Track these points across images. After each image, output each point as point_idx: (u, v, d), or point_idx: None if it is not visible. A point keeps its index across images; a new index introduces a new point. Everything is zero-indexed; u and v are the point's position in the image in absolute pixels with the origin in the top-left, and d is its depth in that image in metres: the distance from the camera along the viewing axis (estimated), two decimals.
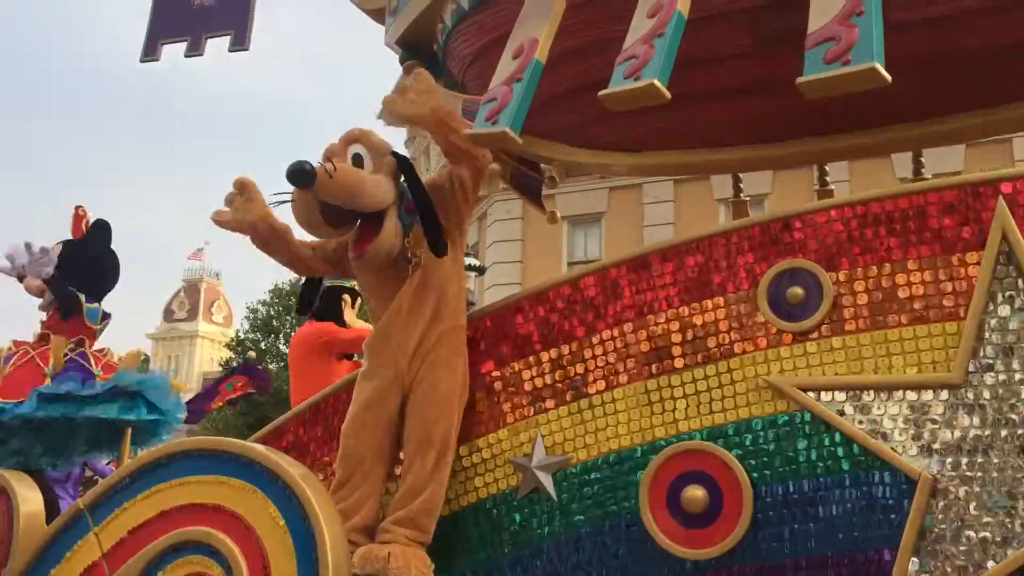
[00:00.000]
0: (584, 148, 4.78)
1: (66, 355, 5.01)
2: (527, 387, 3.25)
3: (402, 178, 3.34)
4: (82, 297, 5.14)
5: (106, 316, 5.37)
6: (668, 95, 2.77)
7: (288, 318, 30.27)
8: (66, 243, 5.26)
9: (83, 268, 5.19)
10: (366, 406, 3.27)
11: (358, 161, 3.29)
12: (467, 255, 14.93)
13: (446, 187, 3.39)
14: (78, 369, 5.05)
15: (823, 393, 2.89)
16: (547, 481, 3.15)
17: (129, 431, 5.18)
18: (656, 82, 2.75)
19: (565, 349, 3.23)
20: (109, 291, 5.34)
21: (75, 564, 2.95)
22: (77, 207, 5.35)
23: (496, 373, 3.31)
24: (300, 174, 2.96)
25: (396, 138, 30.02)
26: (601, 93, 2.89)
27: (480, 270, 14.68)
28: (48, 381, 4.89)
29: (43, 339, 5.11)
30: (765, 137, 4.32)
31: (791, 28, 2.92)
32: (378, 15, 4.98)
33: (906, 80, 2.81)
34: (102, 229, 5.28)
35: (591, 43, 3.70)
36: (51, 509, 3.46)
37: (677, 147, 4.69)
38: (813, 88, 2.63)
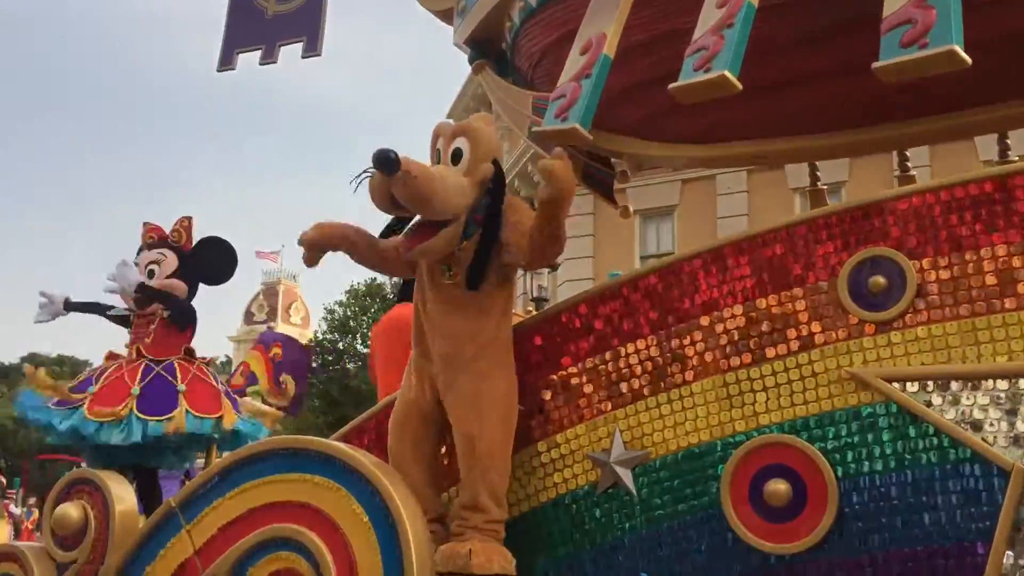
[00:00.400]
0: (656, 141, 4.75)
1: (150, 367, 5.17)
2: (604, 382, 3.24)
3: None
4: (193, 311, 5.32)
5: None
6: (739, 86, 2.74)
7: (364, 318, 30.69)
8: (178, 253, 5.38)
9: (192, 281, 5.34)
10: (402, 411, 3.34)
11: (457, 155, 3.27)
12: None
13: (525, 233, 3.22)
14: (164, 387, 5.20)
15: (909, 384, 2.82)
16: (626, 476, 3.14)
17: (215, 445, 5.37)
18: (727, 73, 2.73)
19: (642, 344, 3.21)
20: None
21: (169, 561, 3.04)
22: (185, 218, 5.51)
23: (573, 369, 3.31)
24: (384, 161, 2.99)
25: None
26: (671, 86, 2.87)
27: (553, 267, 14.68)
28: (134, 401, 5.03)
29: (139, 354, 5.26)
30: (842, 123, 4.24)
31: (870, 9, 2.86)
32: (446, 15, 5.02)
33: (988, 60, 2.73)
34: (223, 251, 5.41)
35: (660, 36, 3.68)
36: (156, 504, 3.60)
37: (751, 137, 4.63)
38: (889, 72, 2.57)
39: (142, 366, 5.23)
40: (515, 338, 3.42)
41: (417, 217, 3.28)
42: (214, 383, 5.14)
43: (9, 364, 70.19)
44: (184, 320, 5.30)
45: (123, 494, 3.32)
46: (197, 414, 5.00)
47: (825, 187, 5.41)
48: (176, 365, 5.17)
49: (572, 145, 4.39)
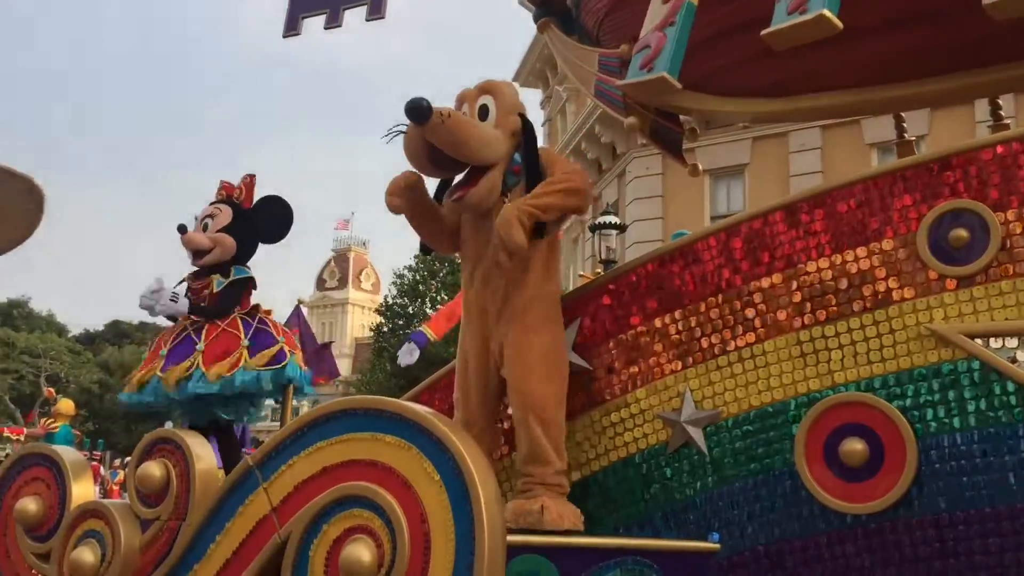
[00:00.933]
0: (726, 96, 4.63)
1: (248, 323, 5.24)
2: (674, 341, 3.21)
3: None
4: (248, 273, 5.35)
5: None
6: (840, 24, 2.68)
7: (434, 282, 30.94)
8: (235, 209, 5.41)
9: (248, 239, 5.36)
10: (462, 366, 3.42)
11: (484, 112, 3.34)
12: (607, 212, 14.83)
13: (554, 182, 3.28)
14: (265, 336, 5.29)
15: (992, 340, 2.73)
16: (697, 435, 3.11)
17: (291, 389, 5.44)
18: (826, 12, 2.65)
19: (712, 302, 3.16)
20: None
21: (247, 518, 3.12)
22: (249, 176, 5.54)
23: (642, 328, 3.28)
24: (416, 110, 3.03)
25: (532, 97, 29.98)
26: (765, 32, 2.80)
27: (621, 228, 14.55)
28: (246, 352, 5.11)
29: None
30: (922, 72, 4.08)
31: None
32: None
33: None
34: (279, 209, 5.43)
35: None
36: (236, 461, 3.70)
37: (824, 89, 4.48)
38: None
39: (180, 329, 5.32)
40: (584, 298, 3.40)
41: (458, 178, 3.32)
42: (238, 335, 5.18)
43: (94, 331, 72.75)
44: (231, 302, 5.37)
45: (203, 453, 3.40)
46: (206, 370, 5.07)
47: (913, 139, 5.19)
48: (207, 325, 5.24)
49: (639, 103, 4.32)
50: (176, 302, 5.17)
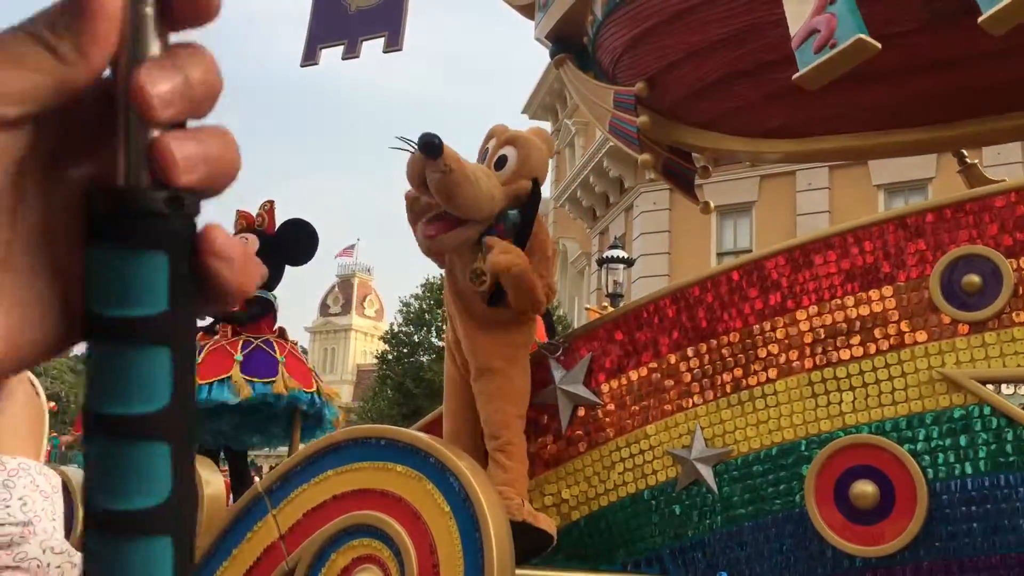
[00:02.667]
0: (738, 135, 4.68)
1: (251, 342, 5.27)
2: (686, 378, 3.22)
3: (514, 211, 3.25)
4: (271, 297, 5.40)
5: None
6: (878, 45, 2.68)
7: (440, 311, 30.96)
8: (260, 234, 5.46)
9: (273, 264, 5.42)
10: (445, 396, 3.46)
11: (501, 162, 3.27)
12: (614, 247, 14.88)
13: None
14: (264, 357, 5.31)
15: (1004, 386, 2.74)
16: (707, 473, 3.11)
17: (299, 418, 5.44)
18: (863, 36, 2.66)
19: (724, 339, 3.18)
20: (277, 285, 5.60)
21: (255, 544, 3.12)
22: (268, 201, 5.59)
23: (654, 364, 3.29)
24: (429, 146, 2.98)
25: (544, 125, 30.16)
26: (796, 77, 2.82)
27: (628, 262, 14.59)
28: (238, 366, 5.13)
29: (237, 334, 5.35)
30: (929, 119, 4.12)
31: (957, 5, 2.78)
32: (527, 10, 5.03)
33: None
34: (298, 229, 5.47)
35: (745, 29, 3.63)
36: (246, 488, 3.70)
37: (834, 132, 4.53)
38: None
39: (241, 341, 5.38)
40: (595, 332, 3.42)
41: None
42: (232, 352, 5.21)
43: None
44: (251, 316, 5.40)
45: (211, 478, 3.42)
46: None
47: (976, 162, 5.11)
48: (207, 346, 5.28)
49: (652, 139, 4.37)
50: None
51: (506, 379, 3.24)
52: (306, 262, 5.52)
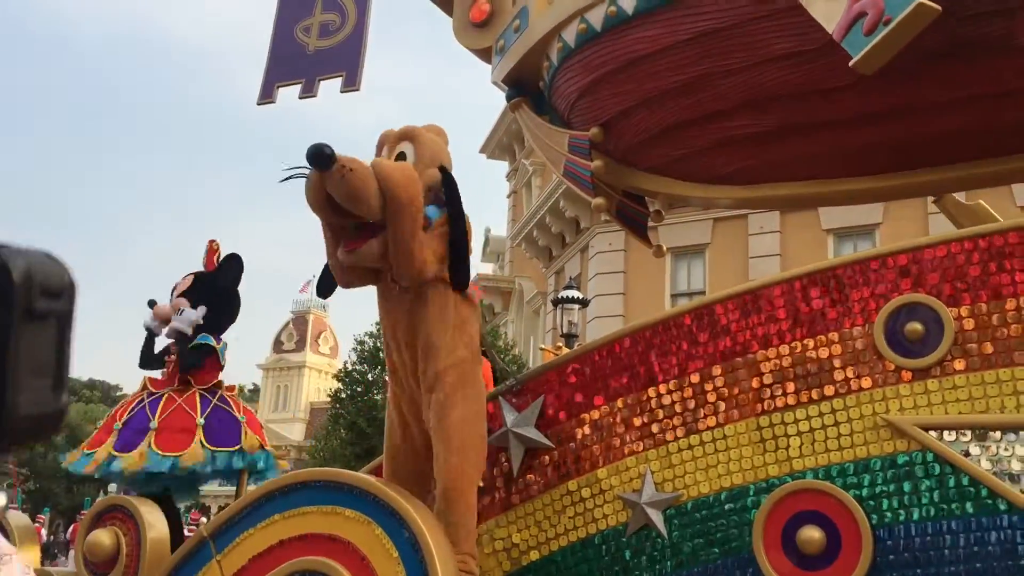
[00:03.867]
0: (690, 181, 4.75)
1: (207, 400, 5.13)
2: (636, 422, 3.23)
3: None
4: (213, 342, 5.25)
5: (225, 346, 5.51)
6: (938, 8, 2.59)
7: None
8: (197, 275, 5.37)
9: (211, 301, 5.30)
10: (389, 426, 3.35)
11: (401, 158, 3.18)
12: (569, 287, 14.94)
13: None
14: (226, 417, 5.18)
15: (946, 432, 2.79)
16: (657, 518, 3.12)
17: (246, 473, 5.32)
18: (923, 1, 2.55)
19: (674, 385, 3.20)
20: (229, 326, 5.47)
21: None
22: (211, 241, 5.48)
23: (605, 408, 3.30)
24: (318, 157, 2.87)
25: (499, 169, 30.29)
26: (852, 63, 2.73)
27: (583, 303, 14.66)
28: (201, 432, 5.00)
29: (184, 383, 5.19)
30: (881, 167, 4.22)
31: (910, 59, 2.86)
32: (484, 54, 5.08)
33: None
34: (234, 262, 5.38)
35: (696, 78, 3.70)
36: (176, 533, 3.60)
37: (785, 179, 4.62)
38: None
39: (135, 401, 5.23)
40: (548, 375, 3.42)
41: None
42: (192, 415, 5.07)
43: None
44: (187, 365, 5.27)
45: (155, 521, 3.35)
46: (161, 452, 4.96)
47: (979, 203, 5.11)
48: (164, 398, 5.13)
49: (606, 183, 4.41)
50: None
51: (449, 404, 3.08)
52: (235, 286, 5.43)
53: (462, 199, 3.19)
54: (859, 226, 15.71)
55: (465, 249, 3.13)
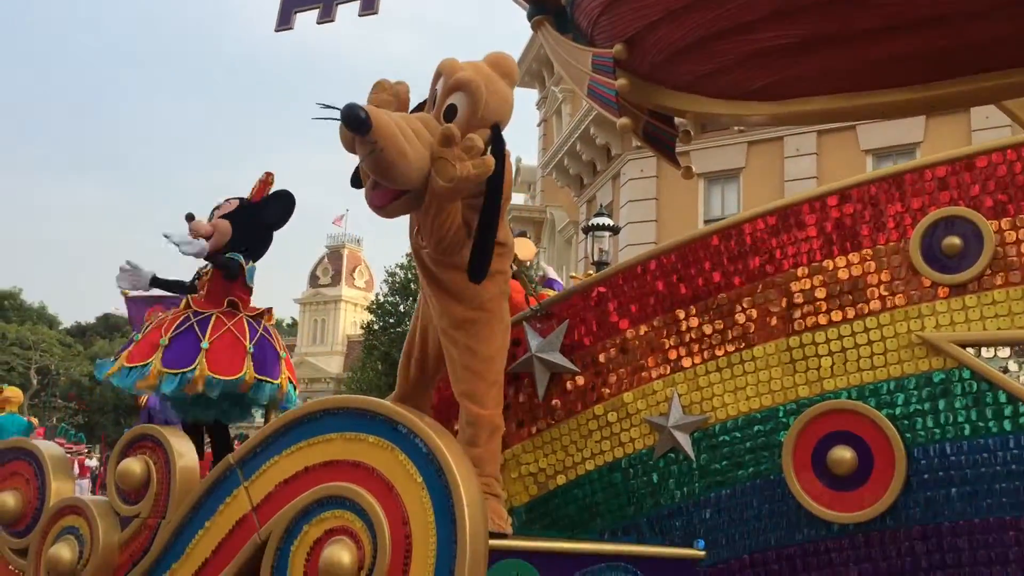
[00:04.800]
0: (720, 98, 4.60)
1: (254, 328, 5.13)
2: (663, 345, 3.17)
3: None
4: (241, 260, 5.23)
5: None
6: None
7: None
8: (243, 201, 5.32)
9: (252, 230, 5.27)
10: (410, 337, 3.34)
11: (451, 113, 2.98)
12: (600, 214, 14.80)
13: None
14: (268, 346, 5.19)
15: (984, 349, 2.70)
16: (684, 441, 3.07)
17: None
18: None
19: (701, 306, 3.13)
20: (255, 261, 5.46)
21: (227, 517, 3.07)
22: (268, 173, 5.43)
23: (631, 332, 3.24)
24: (354, 122, 2.72)
25: (528, 96, 29.92)
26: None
27: (614, 230, 14.53)
28: (250, 359, 4.99)
29: (232, 306, 5.19)
30: (917, 78, 4.05)
31: None
32: None
33: None
34: (284, 200, 5.33)
35: None
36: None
37: (820, 92, 4.46)
38: None
39: (180, 318, 5.20)
40: (573, 300, 3.36)
41: None
42: (244, 341, 5.05)
43: (86, 324, 72.55)
44: (228, 270, 5.23)
45: (184, 450, 3.36)
46: (213, 374, 4.94)
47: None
48: (213, 319, 5.10)
49: (632, 104, 4.28)
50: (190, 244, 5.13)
51: (478, 340, 3.04)
52: (280, 225, 5.39)
53: (504, 177, 2.97)
54: (899, 145, 15.29)
55: (490, 240, 2.95)
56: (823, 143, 16.82)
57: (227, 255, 5.18)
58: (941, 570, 2.70)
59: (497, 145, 2.93)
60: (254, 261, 5.36)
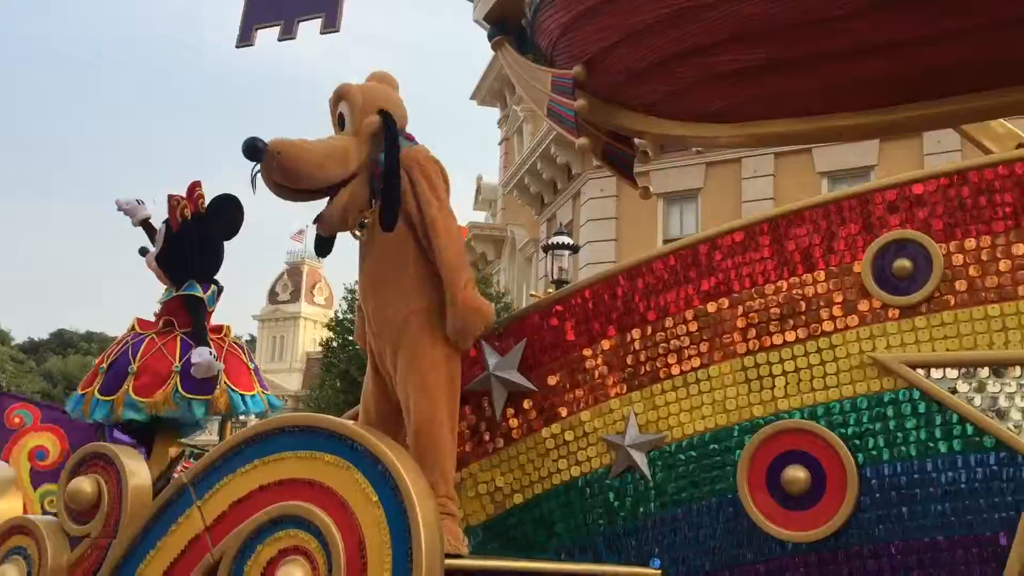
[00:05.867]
0: (678, 120, 4.65)
1: (188, 345, 5.04)
2: (620, 364, 3.19)
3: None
4: (198, 292, 5.13)
5: (220, 290, 5.39)
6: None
7: None
8: (191, 220, 5.21)
9: (199, 247, 5.17)
10: (366, 380, 3.40)
11: (341, 121, 3.26)
12: (560, 233, 14.86)
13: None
14: (240, 365, 5.12)
15: (933, 370, 2.75)
16: (641, 460, 3.09)
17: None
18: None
19: (658, 325, 3.15)
20: (215, 274, 5.36)
21: (179, 537, 3.03)
22: (193, 183, 5.28)
23: (588, 351, 3.25)
24: (251, 150, 2.98)
25: (490, 116, 29.95)
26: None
27: (573, 249, 14.59)
28: (177, 378, 4.92)
29: (168, 325, 5.12)
30: (873, 103, 4.13)
31: None
32: None
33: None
34: (230, 207, 5.21)
35: (683, 10, 3.59)
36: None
37: (778, 116, 4.52)
38: None
39: (122, 342, 5.17)
40: (531, 318, 3.37)
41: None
42: (173, 360, 4.98)
43: (39, 339, 71.15)
44: (193, 309, 5.16)
45: (136, 468, 3.30)
46: (136, 397, 4.89)
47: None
48: (146, 341, 5.05)
49: (591, 124, 4.31)
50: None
51: (425, 360, 3.09)
52: (231, 236, 5.29)
53: (399, 140, 3.24)
54: (853, 168, 15.57)
55: (395, 190, 3.14)
56: (780, 165, 17.07)
57: (186, 291, 5.13)
58: None
59: (387, 125, 3.23)
60: (213, 275, 5.28)
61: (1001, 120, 4.30)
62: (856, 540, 2.78)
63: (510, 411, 3.32)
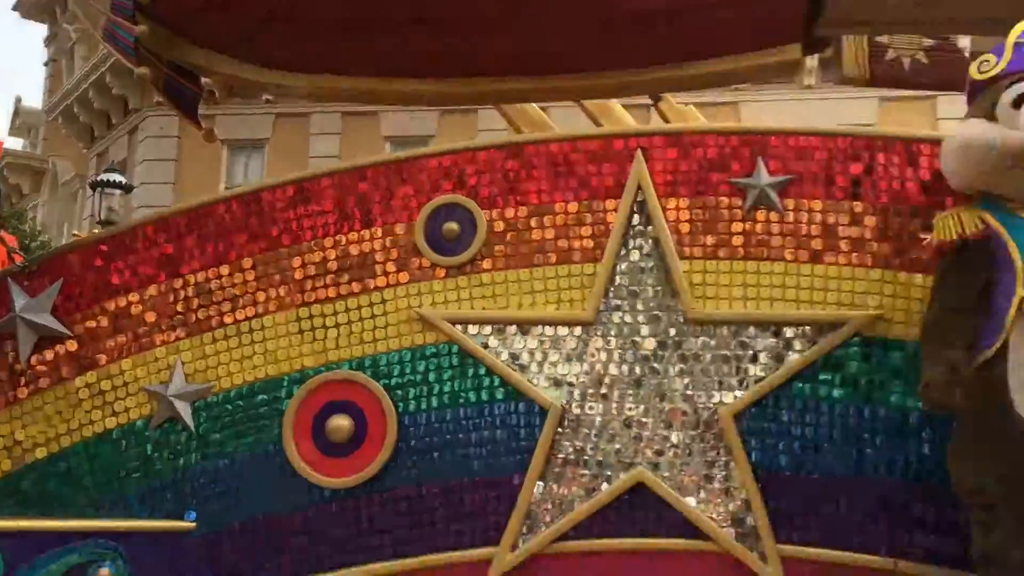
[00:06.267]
0: (250, 64, 4.50)
1: None
2: (169, 311, 3.04)
3: None
4: None
5: None
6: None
7: None
8: None
9: None
10: None
11: None
12: (112, 170, 13.69)
13: None
14: None
15: (471, 326, 2.99)
16: (185, 410, 2.98)
17: None
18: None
19: (212, 273, 3.05)
20: None
21: None
22: None
23: (135, 295, 3.05)
24: None
25: (36, 32, 26.61)
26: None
27: (126, 188, 13.53)
28: None
29: None
30: (441, 74, 4.33)
31: None
32: None
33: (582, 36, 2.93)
34: None
35: None
36: None
37: (349, 72, 4.56)
38: None
39: None
40: (69, 257, 3.08)
41: None
42: None
43: None
44: None
45: None
46: None
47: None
48: None
49: (154, 53, 4.02)
50: None
51: None
52: None
53: None
54: (415, 136, 16.32)
55: None
56: (347, 125, 17.35)
57: None
58: (418, 528, 2.94)
59: None
60: None
61: (533, 104, 4.74)
62: (391, 484, 2.94)
63: (37, 358, 3.01)
